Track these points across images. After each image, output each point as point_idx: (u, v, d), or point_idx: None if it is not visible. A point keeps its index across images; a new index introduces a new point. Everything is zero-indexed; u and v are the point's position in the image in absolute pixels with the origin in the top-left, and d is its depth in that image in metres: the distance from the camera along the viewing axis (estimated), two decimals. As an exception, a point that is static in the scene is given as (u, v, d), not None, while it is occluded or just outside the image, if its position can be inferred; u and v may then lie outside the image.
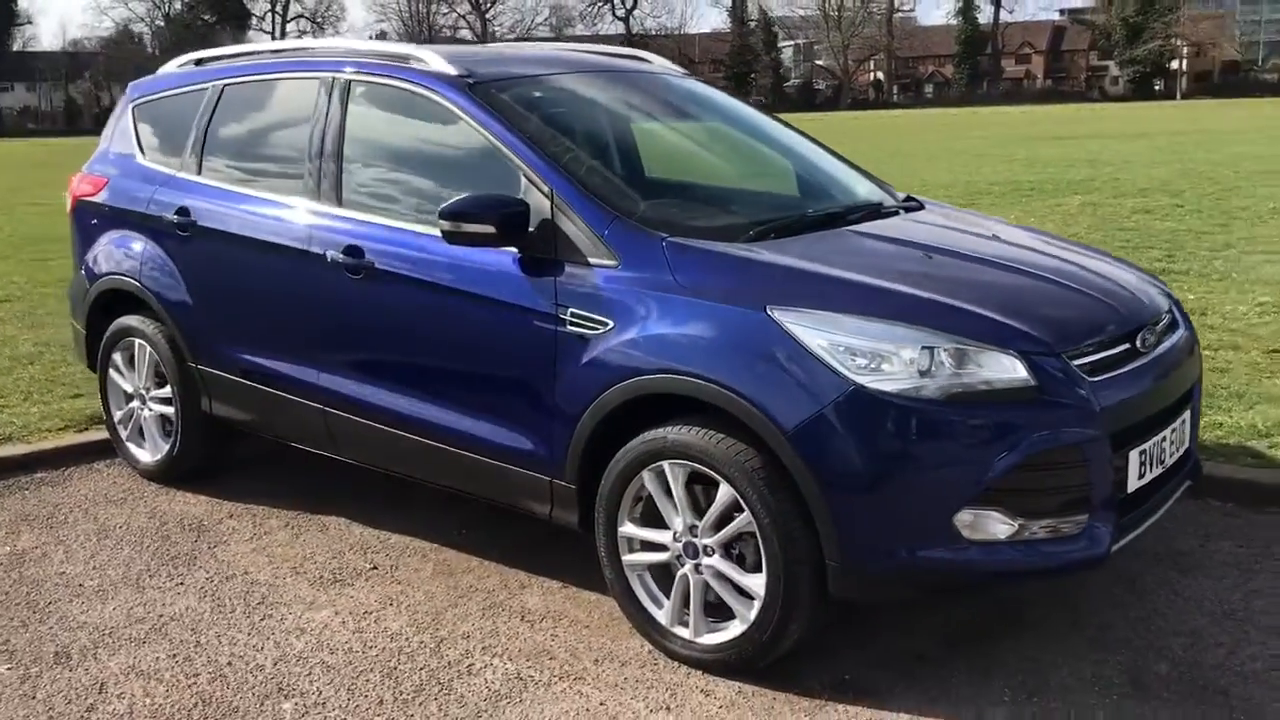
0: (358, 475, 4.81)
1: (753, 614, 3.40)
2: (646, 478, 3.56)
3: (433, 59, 4.33)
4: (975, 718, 3.29)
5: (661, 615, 3.63)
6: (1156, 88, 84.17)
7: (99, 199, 5.36)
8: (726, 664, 3.50)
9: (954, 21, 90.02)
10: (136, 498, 5.16)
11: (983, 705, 3.33)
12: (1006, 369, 3.19)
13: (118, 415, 5.42)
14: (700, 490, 3.50)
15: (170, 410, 5.15)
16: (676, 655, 3.61)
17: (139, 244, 5.10)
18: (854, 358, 3.20)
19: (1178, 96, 78.09)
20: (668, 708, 3.37)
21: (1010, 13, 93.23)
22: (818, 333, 3.25)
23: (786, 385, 3.25)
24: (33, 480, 5.38)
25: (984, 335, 3.24)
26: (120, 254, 5.20)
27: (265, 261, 4.60)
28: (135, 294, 5.12)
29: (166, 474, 5.25)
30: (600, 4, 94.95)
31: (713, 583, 3.50)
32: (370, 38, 74.98)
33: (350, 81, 4.47)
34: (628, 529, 3.66)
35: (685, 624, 3.58)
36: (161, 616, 4.02)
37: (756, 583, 3.38)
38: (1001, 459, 3.15)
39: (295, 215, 4.49)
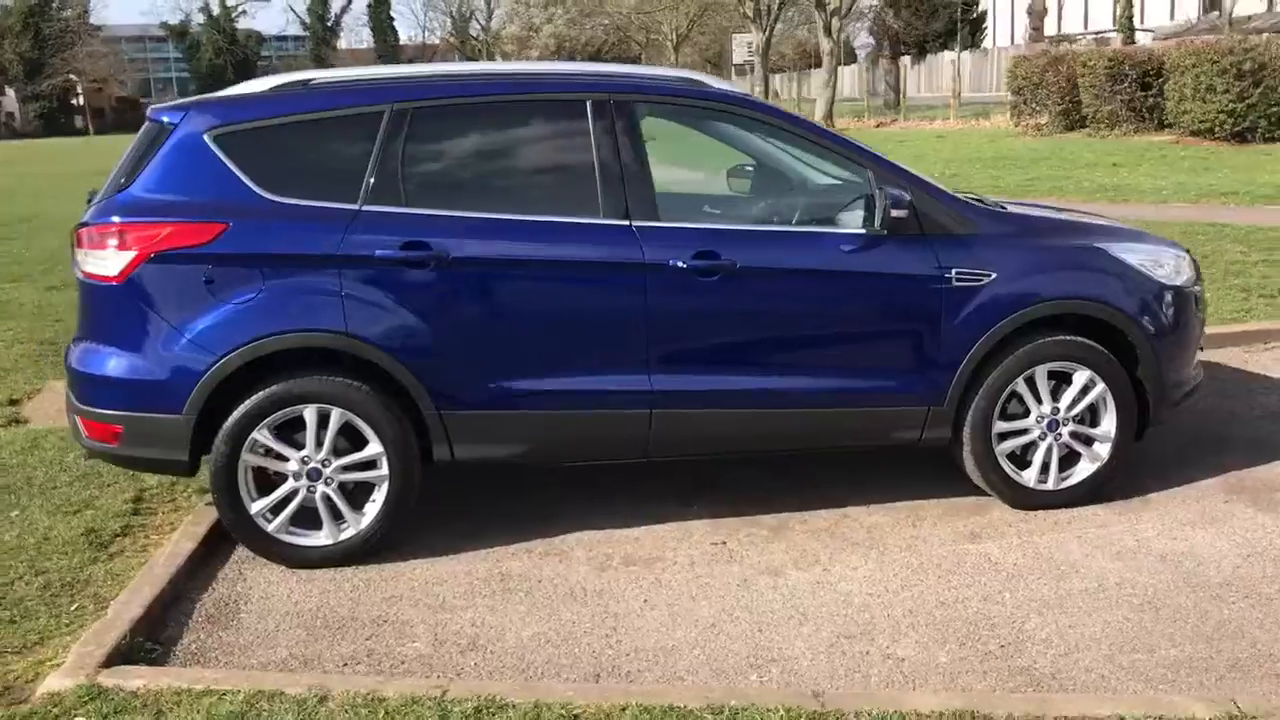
0: (510, 493, 5.25)
1: (1105, 452, 5.07)
2: (1019, 383, 4.96)
3: (713, 81, 4.90)
4: (1218, 469, 5.43)
5: (1025, 479, 5.05)
6: (62, 122, 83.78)
7: (213, 249, 4.40)
8: (1078, 498, 5.09)
9: None
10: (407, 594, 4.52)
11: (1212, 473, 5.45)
12: (1189, 265, 5.37)
13: (257, 506, 4.53)
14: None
15: (366, 475, 4.58)
16: (1037, 504, 5.06)
17: (332, 292, 4.44)
18: (1153, 267, 5.10)
19: (90, 131, 78.70)
20: (1114, 522, 4.90)
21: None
22: (1130, 254, 5.08)
23: (1125, 288, 5.02)
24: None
25: (1178, 249, 5.38)
26: (290, 307, 4.43)
27: (568, 281, 4.61)
28: (339, 349, 4.45)
29: (357, 552, 4.61)
30: None
31: (1071, 443, 5.06)
32: None
33: (632, 103, 4.72)
34: (998, 426, 5.00)
35: (1043, 481, 5.06)
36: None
37: (1105, 430, 5.05)
38: (1201, 317, 5.35)
39: (603, 234, 4.61)
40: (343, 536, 4.60)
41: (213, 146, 4.50)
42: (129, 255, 4.38)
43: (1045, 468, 5.05)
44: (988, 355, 4.88)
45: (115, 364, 4.47)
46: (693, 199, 5.62)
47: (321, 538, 4.59)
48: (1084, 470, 5.08)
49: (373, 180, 4.54)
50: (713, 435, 4.85)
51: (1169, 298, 5.10)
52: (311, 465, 4.53)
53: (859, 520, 5.02)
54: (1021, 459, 5.06)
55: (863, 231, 4.76)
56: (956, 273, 4.82)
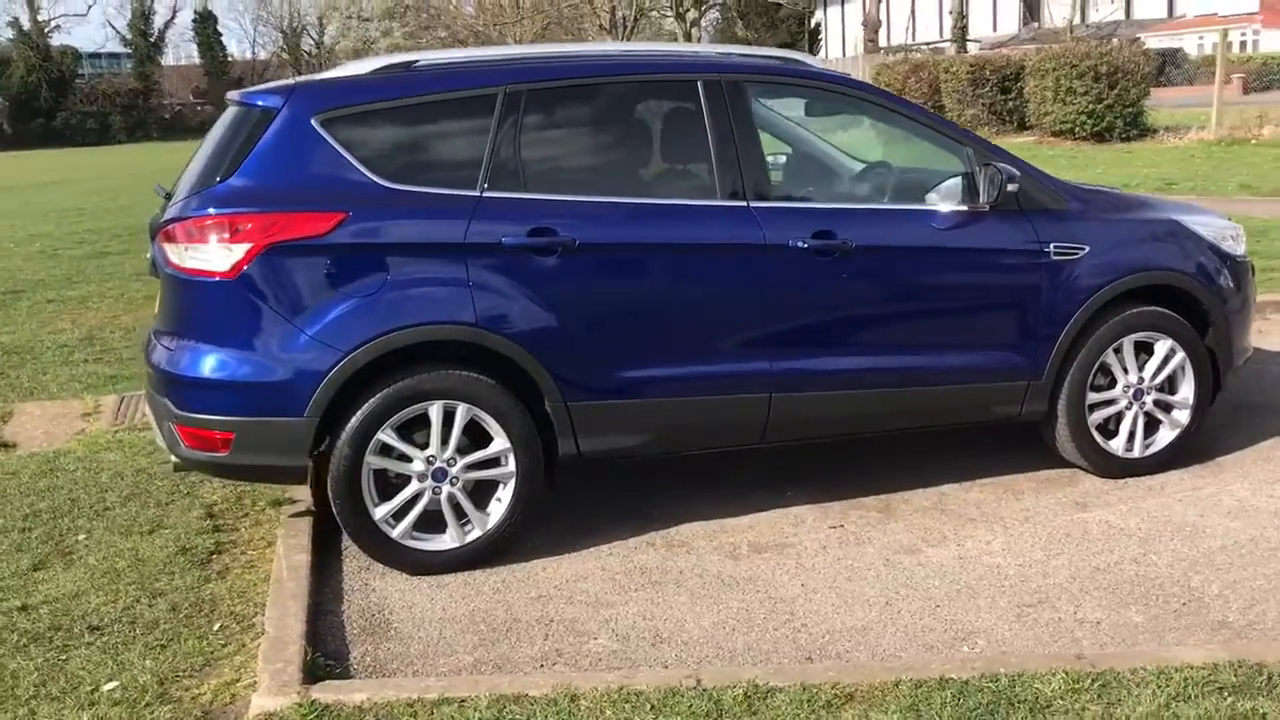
0: (594, 489, 5.14)
1: (1185, 418, 5.23)
2: (1109, 353, 5.07)
3: (812, 60, 4.86)
4: (1266, 433, 5.65)
5: (1113, 448, 5.16)
6: None
7: (333, 240, 4.13)
8: (1162, 464, 5.23)
9: None
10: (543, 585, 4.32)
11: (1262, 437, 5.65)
12: (1243, 237, 5.59)
13: (382, 511, 4.27)
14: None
15: (493, 473, 4.38)
16: (1124, 472, 5.17)
17: (459, 282, 4.23)
18: (1220, 239, 5.30)
19: None
20: (1203, 485, 5.05)
21: None
22: (1203, 229, 5.27)
23: (1200, 259, 5.20)
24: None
25: (1232, 222, 5.60)
26: (419, 300, 4.20)
27: (691, 264, 4.51)
28: (469, 341, 4.24)
29: (483, 554, 4.40)
30: None
31: (1155, 411, 5.20)
32: None
33: (743, 83, 4.65)
34: (1090, 396, 5.10)
35: (1130, 450, 5.19)
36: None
37: (1185, 397, 5.21)
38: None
39: (723, 216, 4.53)
40: (469, 539, 4.37)
41: (321, 131, 4.23)
42: (243, 248, 4.08)
43: (1131, 436, 5.17)
44: (1084, 327, 4.98)
45: (225, 365, 4.16)
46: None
47: (447, 541, 4.36)
48: (1165, 437, 5.22)
49: (491, 165, 4.34)
50: (827, 418, 4.80)
51: (1234, 268, 5.31)
52: (437, 465, 4.29)
53: (959, 497, 5.04)
54: (1104, 429, 5.16)
55: (966, 208, 4.79)
56: (1054, 247, 4.89)
